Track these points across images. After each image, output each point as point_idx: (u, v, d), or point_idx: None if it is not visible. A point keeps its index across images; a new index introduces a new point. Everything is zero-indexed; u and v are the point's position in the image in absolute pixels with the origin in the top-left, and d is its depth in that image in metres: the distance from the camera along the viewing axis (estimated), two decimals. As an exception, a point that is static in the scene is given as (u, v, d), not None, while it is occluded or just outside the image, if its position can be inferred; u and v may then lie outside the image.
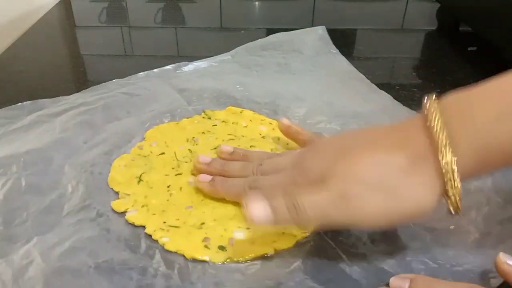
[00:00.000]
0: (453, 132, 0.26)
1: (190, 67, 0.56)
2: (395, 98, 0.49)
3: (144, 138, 0.43)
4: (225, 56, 0.58)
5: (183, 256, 0.32)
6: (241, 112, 0.47)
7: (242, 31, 0.69)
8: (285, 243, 0.33)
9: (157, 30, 0.72)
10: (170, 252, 0.32)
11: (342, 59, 0.57)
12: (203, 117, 0.47)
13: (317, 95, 0.49)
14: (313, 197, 0.28)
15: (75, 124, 0.44)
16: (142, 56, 0.64)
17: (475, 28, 0.65)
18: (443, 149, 0.26)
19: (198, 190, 0.37)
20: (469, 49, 0.65)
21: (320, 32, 0.62)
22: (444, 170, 0.26)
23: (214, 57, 0.58)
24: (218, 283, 0.30)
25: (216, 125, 0.45)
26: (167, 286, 0.29)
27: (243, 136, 0.43)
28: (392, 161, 0.28)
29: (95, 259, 0.31)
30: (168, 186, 0.38)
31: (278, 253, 0.32)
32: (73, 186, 0.37)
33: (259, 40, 0.61)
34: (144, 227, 0.34)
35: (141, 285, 0.29)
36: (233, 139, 0.43)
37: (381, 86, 0.51)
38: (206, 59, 0.57)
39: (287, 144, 0.42)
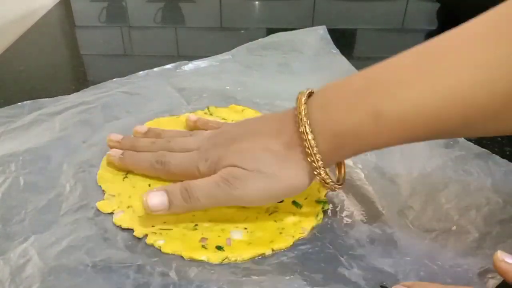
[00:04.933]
0: (314, 121, 0.30)
1: (190, 66, 0.56)
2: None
3: None
4: (226, 56, 0.58)
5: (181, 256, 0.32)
6: (242, 111, 0.47)
7: (242, 31, 0.69)
8: (283, 244, 0.33)
9: (157, 30, 0.72)
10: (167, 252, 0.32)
11: (343, 59, 0.57)
12: (205, 113, 0.47)
13: None
14: (202, 183, 0.33)
15: (75, 123, 0.44)
16: (142, 56, 0.64)
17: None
18: (306, 135, 0.30)
19: None
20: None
21: (321, 32, 0.62)
22: (308, 153, 0.30)
23: (215, 56, 0.58)
24: (215, 282, 0.30)
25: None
26: (164, 284, 0.29)
27: None
28: (269, 147, 0.32)
29: (92, 258, 0.31)
30: (149, 185, 0.37)
31: (275, 254, 0.32)
32: (71, 185, 0.37)
33: (259, 39, 0.61)
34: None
35: (138, 284, 0.29)
36: None
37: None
38: (206, 58, 0.57)
39: None
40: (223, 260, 0.31)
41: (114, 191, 0.37)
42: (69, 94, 0.50)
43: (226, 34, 0.70)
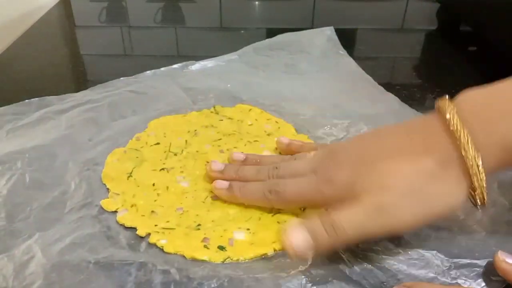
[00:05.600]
0: (473, 130, 0.27)
1: (197, 66, 0.56)
2: (395, 98, 0.49)
3: (147, 127, 0.44)
4: (232, 56, 0.58)
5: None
6: (249, 110, 0.47)
7: (242, 31, 0.69)
8: None
9: (157, 30, 0.72)
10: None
11: (350, 60, 0.57)
12: (211, 112, 0.47)
13: (324, 97, 0.49)
14: (349, 214, 0.29)
15: (81, 121, 0.44)
16: (142, 56, 0.64)
17: (475, 28, 0.65)
18: (465, 146, 0.27)
19: (185, 191, 0.37)
20: (469, 49, 0.65)
21: (328, 33, 0.62)
22: (469, 166, 0.27)
23: (221, 56, 0.58)
24: (216, 279, 0.30)
25: (222, 120, 0.45)
26: (165, 282, 0.29)
27: (247, 133, 0.44)
28: (420, 168, 0.28)
29: (94, 255, 0.31)
30: (153, 185, 0.37)
31: (278, 254, 0.32)
32: (76, 183, 0.37)
33: (267, 40, 0.61)
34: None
35: (139, 281, 0.29)
36: (234, 134, 0.43)
37: (381, 86, 0.51)
38: (213, 58, 0.57)
39: None
40: (225, 260, 0.31)
41: (118, 190, 0.37)
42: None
43: (226, 34, 0.70)
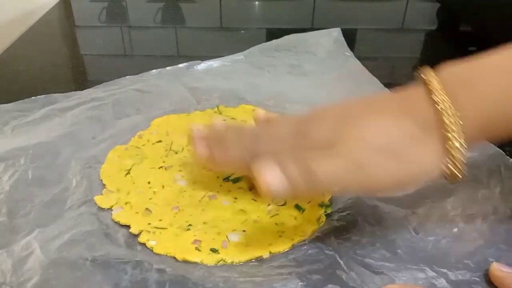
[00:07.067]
0: (457, 99, 0.27)
1: (202, 66, 0.56)
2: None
3: (150, 126, 0.44)
4: (238, 56, 0.58)
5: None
6: (253, 111, 0.47)
7: (242, 31, 0.69)
8: (281, 246, 0.32)
9: (157, 30, 0.72)
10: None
11: (356, 62, 0.57)
12: (215, 112, 0.47)
13: (328, 98, 0.48)
14: (326, 163, 0.28)
15: (85, 119, 0.45)
16: (142, 56, 0.64)
17: (475, 28, 0.65)
18: (447, 111, 0.27)
19: (182, 190, 0.37)
20: (469, 49, 0.65)
21: (335, 34, 0.62)
22: (450, 131, 0.27)
23: (227, 56, 0.58)
24: (212, 280, 0.30)
25: (225, 120, 0.45)
26: (160, 281, 0.29)
27: None
28: (400, 127, 0.28)
29: (92, 253, 0.31)
30: (149, 183, 0.37)
31: (273, 256, 0.32)
32: (77, 180, 0.38)
33: (274, 40, 0.61)
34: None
35: (135, 279, 0.29)
36: None
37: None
38: (219, 58, 0.57)
39: None
40: (219, 262, 0.31)
41: (113, 187, 0.37)
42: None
43: (226, 34, 0.70)
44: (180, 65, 0.55)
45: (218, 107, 0.47)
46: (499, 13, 0.54)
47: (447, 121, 0.27)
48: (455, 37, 0.69)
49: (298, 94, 0.50)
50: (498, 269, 0.29)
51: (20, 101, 0.47)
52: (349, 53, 0.58)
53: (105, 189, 0.37)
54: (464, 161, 0.27)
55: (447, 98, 0.27)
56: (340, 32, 0.62)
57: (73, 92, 0.49)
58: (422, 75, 0.29)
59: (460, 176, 0.28)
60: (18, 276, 0.29)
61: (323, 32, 0.63)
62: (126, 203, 0.35)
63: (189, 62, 0.56)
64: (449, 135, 0.27)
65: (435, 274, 0.30)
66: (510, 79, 0.27)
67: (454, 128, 0.27)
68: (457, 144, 0.27)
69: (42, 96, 0.48)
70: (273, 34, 0.63)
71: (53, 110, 0.46)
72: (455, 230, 0.33)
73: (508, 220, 0.34)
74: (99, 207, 0.35)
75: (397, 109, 0.29)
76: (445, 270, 0.30)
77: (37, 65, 0.59)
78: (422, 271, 0.30)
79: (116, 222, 0.34)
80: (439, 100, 0.27)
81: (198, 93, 0.50)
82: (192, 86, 0.51)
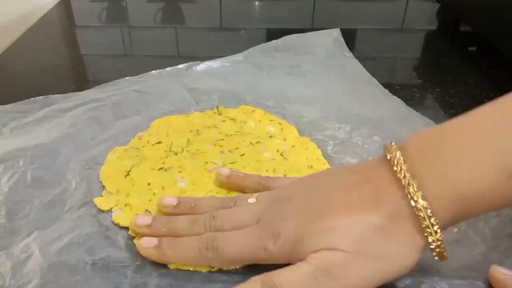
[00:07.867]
0: (425, 185, 0.25)
1: (202, 66, 0.56)
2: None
3: (149, 127, 0.44)
4: (238, 57, 0.58)
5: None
6: (252, 112, 0.47)
7: (242, 31, 0.69)
8: None
9: (157, 30, 0.72)
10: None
11: (355, 62, 0.56)
12: (214, 113, 0.47)
13: (327, 99, 0.49)
14: (292, 276, 0.26)
15: (85, 120, 0.44)
16: (142, 56, 0.64)
17: (475, 28, 0.65)
18: (418, 204, 0.25)
19: (182, 191, 0.37)
20: (469, 49, 0.65)
21: (334, 34, 0.62)
22: (420, 218, 0.25)
23: (227, 57, 0.58)
24: (212, 284, 0.29)
25: (224, 121, 0.45)
26: (161, 285, 0.29)
27: (250, 134, 0.43)
28: (369, 224, 0.26)
29: (92, 256, 0.31)
30: (149, 184, 0.37)
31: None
32: (76, 182, 0.37)
33: (273, 41, 0.61)
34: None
35: (135, 283, 0.29)
36: (236, 135, 0.43)
37: (381, 86, 0.51)
38: (219, 59, 0.57)
39: (293, 146, 0.42)
40: (212, 269, 0.31)
41: (113, 188, 0.37)
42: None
43: (226, 34, 0.70)
44: (180, 66, 0.55)
45: (217, 108, 0.47)
46: (499, 13, 0.54)
47: (417, 209, 0.25)
48: (455, 37, 0.69)
49: (298, 94, 0.50)
50: (498, 271, 0.29)
51: (19, 102, 0.47)
52: (348, 53, 0.58)
53: (104, 190, 0.37)
54: (441, 244, 0.26)
55: (414, 181, 0.25)
56: (340, 32, 0.62)
57: (72, 93, 0.49)
58: (387, 151, 0.27)
59: (441, 260, 0.27)
60: (17, 279, 0.29)
61: (323, 32, 0.63)
62: (126, 205, 0.35)
63: (189, 63, 0.56)
64: (423, 223, 0.25)
65: (437, 278, 0.30)
66: (473, 154, 0.25)
67: (424, 215, 0.25)
68: (429, 227, 0.25)
69: (41, 97, 0.48)
70: (273, 34, 0.63)
71: (52, 111, 0.46)
72: (458, 233, 0.33)
73: (510, 223, 0.34)
74: (98, 208, 0.35)
75: (363, 201, 0.27)
76: (446, 274, 0.30)
77: (37, 65, 0.59)
78: (424, 276, 0.30)
79: (116, 224, 0.34)
80: (407, 188, 0.25)
81: (197, 94, 0.50)
82: (191, 87, 0.51)
